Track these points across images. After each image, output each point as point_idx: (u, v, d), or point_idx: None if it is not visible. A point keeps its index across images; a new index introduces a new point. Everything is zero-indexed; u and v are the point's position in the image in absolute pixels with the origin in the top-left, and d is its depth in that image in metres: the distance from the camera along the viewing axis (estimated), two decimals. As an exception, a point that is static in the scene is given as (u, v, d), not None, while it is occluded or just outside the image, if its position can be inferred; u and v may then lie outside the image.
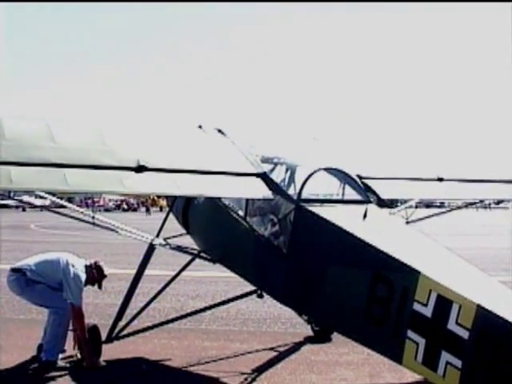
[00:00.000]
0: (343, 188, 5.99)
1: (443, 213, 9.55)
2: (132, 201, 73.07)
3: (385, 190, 6.27)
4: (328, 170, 5.99)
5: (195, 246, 7.67)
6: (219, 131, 6.77)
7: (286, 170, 6.41)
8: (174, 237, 7.84)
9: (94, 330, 7.17)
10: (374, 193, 6.16)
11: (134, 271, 7.48)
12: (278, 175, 6.28)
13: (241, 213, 6.27)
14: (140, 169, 5.20)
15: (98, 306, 10.20)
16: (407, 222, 7.34)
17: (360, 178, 6.19)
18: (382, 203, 6.07)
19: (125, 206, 71.84)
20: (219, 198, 6.50)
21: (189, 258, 7.63)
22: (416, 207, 7.75)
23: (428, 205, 62.64)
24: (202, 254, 7.34)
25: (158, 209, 60.30)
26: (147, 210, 58.73)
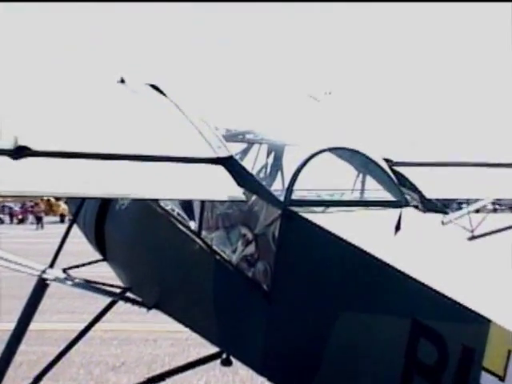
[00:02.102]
0: (362, 181, 6.01)
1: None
2: (13, 205, 72.87)
3: (432, 184, 6.29)
4: (337, 150, 5.99)
5: (118, 281, 7.65)
6: (154, 88, 6.71)
7: (268, 153, 6.42)
8: (82, 266, 7.82)
9: None
10: (415, 188, 6.18)
11: (12, 324, 7.42)
12: (255, 161, 6.29)
13: (192, 225, 6.27)
14: (19, 152, 5.14)
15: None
16: (472, 237, 7.38)
17: (390, 163, 6.21)
18: (428, 206, 6.09)
19: None
20: (155, 201, 6.47)
21: (108, 300, 7.61)
22: (495, 210, 7.78)
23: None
24: (129, 295, 7.32)
25: (58, 218, 60.28)
26: (38, 221, 58.62)
